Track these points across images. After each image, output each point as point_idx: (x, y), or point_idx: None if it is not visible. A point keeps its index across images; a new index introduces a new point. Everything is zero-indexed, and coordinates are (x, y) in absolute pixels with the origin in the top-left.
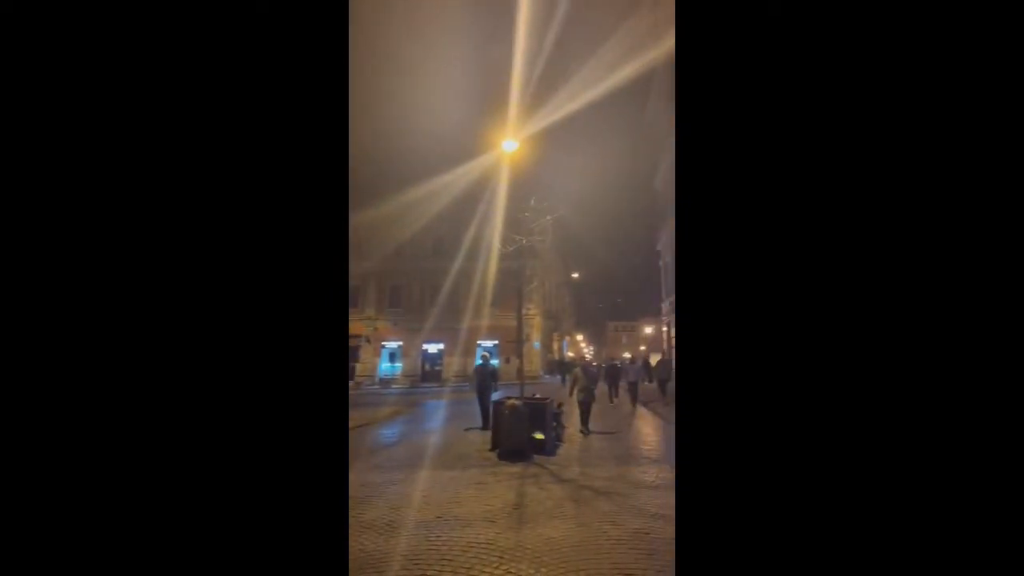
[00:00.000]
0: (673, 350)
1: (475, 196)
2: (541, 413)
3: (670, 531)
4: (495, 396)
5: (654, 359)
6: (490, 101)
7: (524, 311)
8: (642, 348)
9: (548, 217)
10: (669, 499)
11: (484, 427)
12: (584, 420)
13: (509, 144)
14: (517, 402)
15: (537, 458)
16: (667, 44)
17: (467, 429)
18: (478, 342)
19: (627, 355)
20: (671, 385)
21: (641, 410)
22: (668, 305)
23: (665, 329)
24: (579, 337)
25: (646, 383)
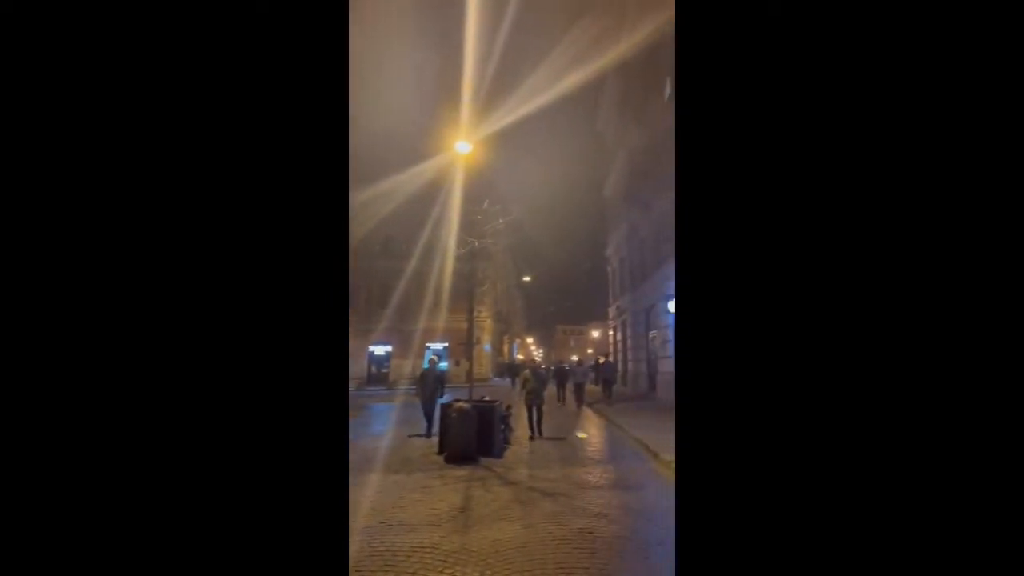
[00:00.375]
0: (617, 353)
1: (428, 197)
2: (490, 416)
3: (612, 529)
4: (443, 399)
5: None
6: (442, 103)
7: (475, 313)
8: (589, 351)
9: (500, 220)
10: (612, 498)
11: (428, 434)
12: (532, 424)
13: (462, 146)
14: (465, 405)
15: (484, 461)
16: (614, 52)
17: (411, 436)
18: (427, 344)
19: (575, 358)
20: (616, 387)
21: (587, 411)
22: (615, 309)
23: (611, 333)
24: (529, 340)
25: (592, 385)
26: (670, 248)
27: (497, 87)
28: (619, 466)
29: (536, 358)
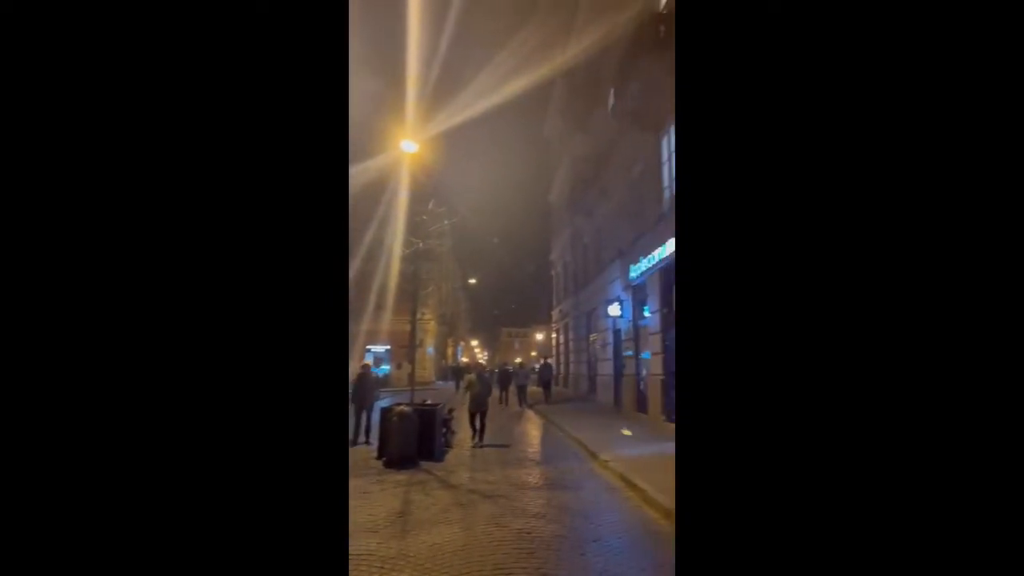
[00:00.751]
0: (560, 356)
1: (373, 196)
2: (431, 419)
3: (550, 529)
4: (381, 403)
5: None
6: (386, 102)
7: (419, 316)
8: (533, 354)
9: (446, 221)
10: (551, 498)
11: (355, 441)
12: (475, 430)
13: (408, 145)
14: (406, 408)
15: (425, 465)
16: (560, 59)
17: None
18: (367, 347)
19: (518, 360)
20: (554, 388)
21: (529, 412)
22: (558, 313)
23: (555, 335)
24: (474, 343)
25: (535, 387)
26: (610, 254)
27: (444, 87)
28: (559, 466)
29: (481, 361)
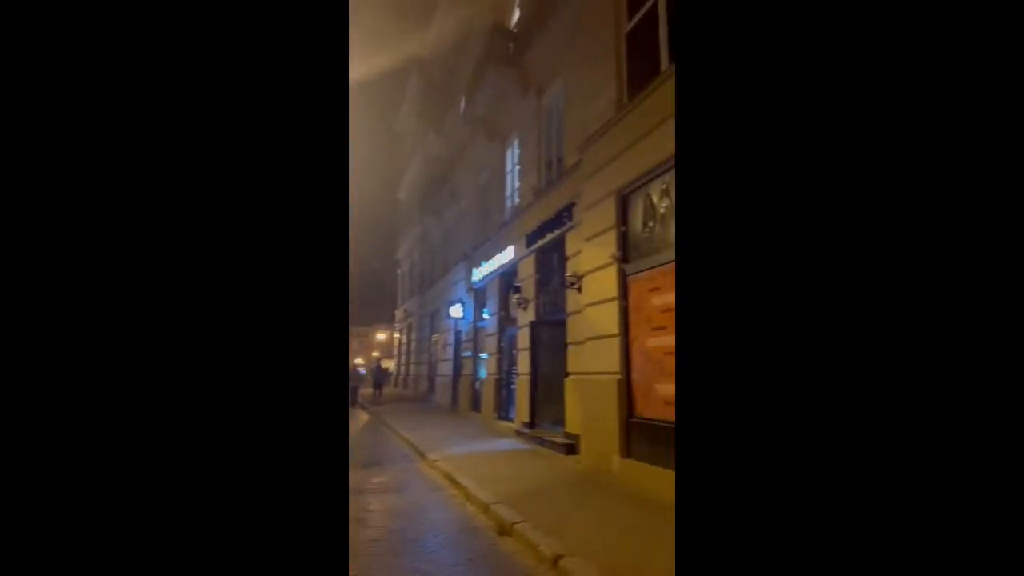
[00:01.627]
0: (402, 356)
1: None
2: None
3: (367, 534)
4: None
5: (387, 364)
6: None
7: None
8: (375, 354)
9: None
10: (372, 502)
11: None
12: None
13: None
14: None
15: None
16: (411, 48)
17: None
18: None
19: (360, 360)
20: (396, 388)
21: (360, 413)
22: (403, 312)
23: (398, 335)
24: None
25: (368, 389)
26: (456, 257)
27: None
28: (385, 469)
29: None
